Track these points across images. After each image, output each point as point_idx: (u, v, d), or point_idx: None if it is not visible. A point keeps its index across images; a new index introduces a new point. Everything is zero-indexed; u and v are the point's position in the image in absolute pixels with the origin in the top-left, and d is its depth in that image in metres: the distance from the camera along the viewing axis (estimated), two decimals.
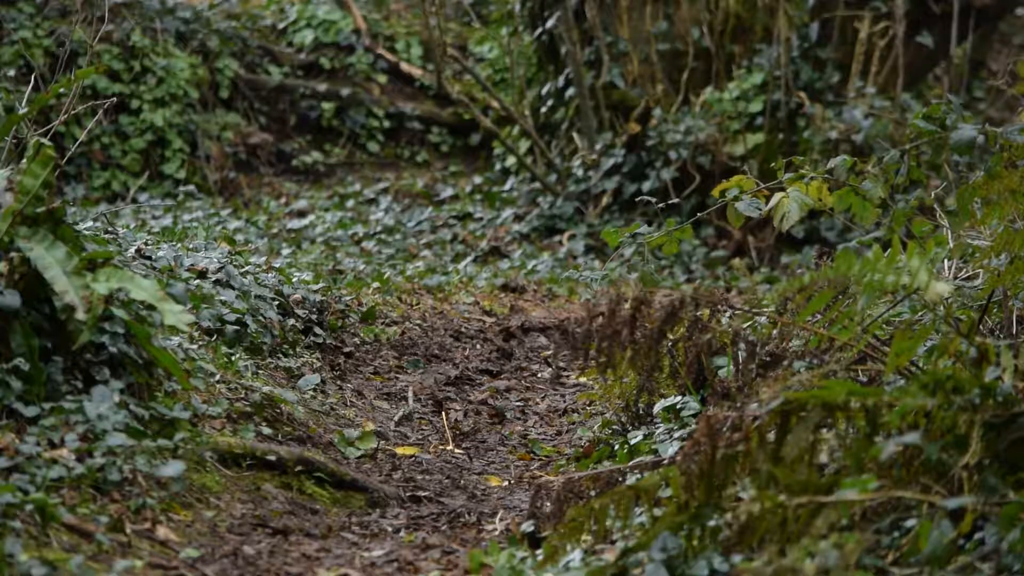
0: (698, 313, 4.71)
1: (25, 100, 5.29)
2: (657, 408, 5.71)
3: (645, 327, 4.70)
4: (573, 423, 6.59)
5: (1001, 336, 4.82)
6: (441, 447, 6.14)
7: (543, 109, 12.87)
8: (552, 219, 12.08)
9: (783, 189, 5.22)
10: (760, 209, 5.21)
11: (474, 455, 6.09)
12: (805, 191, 5.17)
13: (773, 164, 5.27)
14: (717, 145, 11.76)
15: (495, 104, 12.89)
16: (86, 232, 5.90)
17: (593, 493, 4.54)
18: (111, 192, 12.69)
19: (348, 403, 6.53)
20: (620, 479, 4.61)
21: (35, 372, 4.73)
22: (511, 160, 13.18)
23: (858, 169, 5.15)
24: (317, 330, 7.10)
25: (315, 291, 7.37)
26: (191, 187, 12.53)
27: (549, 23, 12.55)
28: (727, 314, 4.99)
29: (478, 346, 7.95)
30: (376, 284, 8.83)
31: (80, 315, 4.72)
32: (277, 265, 7.99)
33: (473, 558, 4.50)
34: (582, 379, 7.35)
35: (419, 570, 4.56)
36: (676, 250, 5.40)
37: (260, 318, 6.62)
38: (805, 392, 3.91)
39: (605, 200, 11.88)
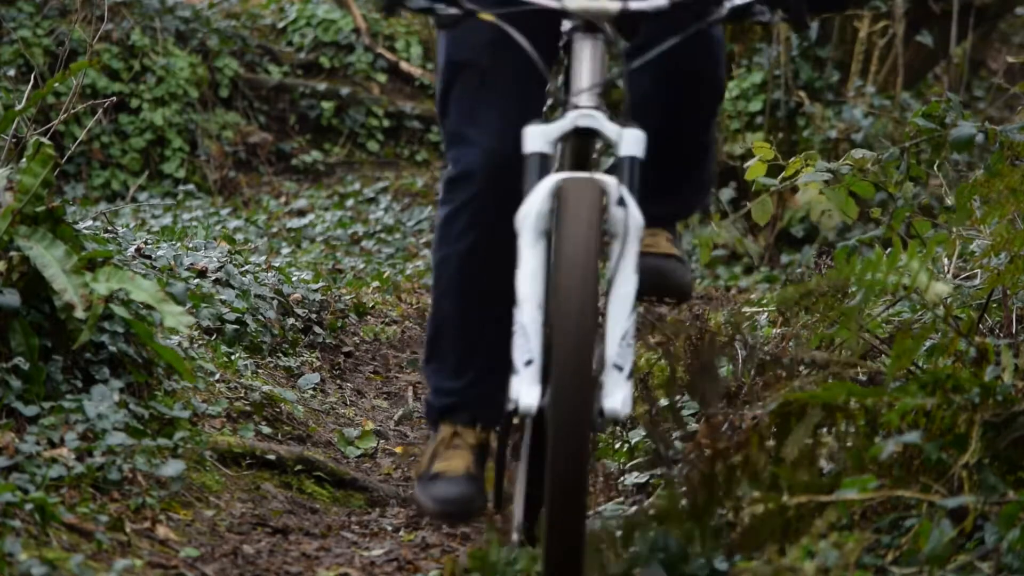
0: (698, 312, 4.71)
1: (24, 99, 5.28)
2: None
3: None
4: None
5: (1001, 336, 4.81)
6: None
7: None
8: None
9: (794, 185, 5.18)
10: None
11: None
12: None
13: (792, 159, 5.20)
14: (717, 144, 11.74)
15: None
16: (86, 231, 5.89)
17: None
18: (111, 191, 12.68)
19: (348, 402, 6.52)
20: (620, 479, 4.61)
21: (35, 371, 4.73)
22: None
23: (858, 167, 5.14)
24: (317, 329, 7.10)
25: (315, 290, 7.37)
26: (191, 186, 12.51)
27: None
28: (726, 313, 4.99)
29: None
30: (376, 283, 8.82)
31: (79, 314, 4.72)
32: (277, 264, 7.98)
33: (473, 557, 4.49)
34: None
35: (419, 569, 4.55)
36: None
37: (260, 317, 6.61)
38: (805, 392, 3.91)
39: None
